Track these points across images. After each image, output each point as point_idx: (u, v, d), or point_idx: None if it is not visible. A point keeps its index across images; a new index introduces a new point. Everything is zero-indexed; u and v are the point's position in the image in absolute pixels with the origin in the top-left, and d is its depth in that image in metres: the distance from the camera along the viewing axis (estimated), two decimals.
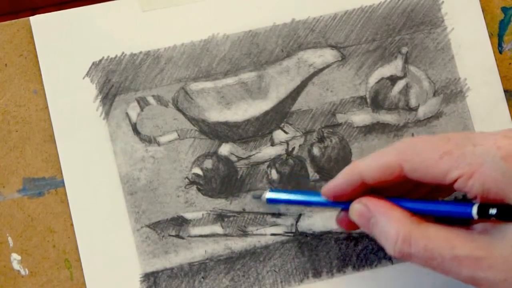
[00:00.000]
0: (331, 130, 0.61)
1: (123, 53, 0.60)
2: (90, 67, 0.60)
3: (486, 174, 0.46)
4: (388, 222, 0.49)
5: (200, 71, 0.61)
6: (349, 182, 0.52)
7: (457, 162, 0.47)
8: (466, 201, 0.49)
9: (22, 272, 0.58)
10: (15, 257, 0.58)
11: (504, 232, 0.46)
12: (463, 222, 0.50)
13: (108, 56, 0.60)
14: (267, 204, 0.59)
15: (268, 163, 0.60)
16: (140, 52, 0.60)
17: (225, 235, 0.59)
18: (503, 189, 0.46)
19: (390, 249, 0.49)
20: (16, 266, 0.58)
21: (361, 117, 0.61)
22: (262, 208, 0.59)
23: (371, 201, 0.51)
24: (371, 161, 0.51)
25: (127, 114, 0.60)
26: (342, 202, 0.53)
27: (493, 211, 0.47)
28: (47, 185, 0.59)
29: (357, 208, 0.52)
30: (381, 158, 0.51)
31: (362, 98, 0.61)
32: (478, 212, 0.48)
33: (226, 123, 0.60)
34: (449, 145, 0.48)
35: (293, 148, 0.61)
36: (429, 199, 0.53)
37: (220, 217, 0.59)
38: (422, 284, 0.59)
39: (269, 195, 0.58)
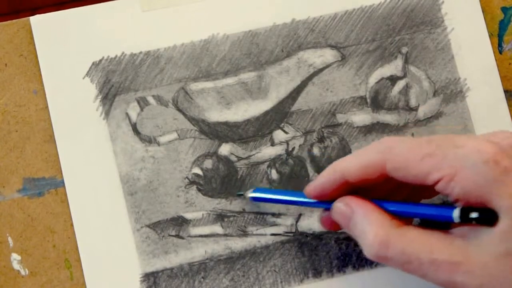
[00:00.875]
0: (331, 130, 0.61)
1: (123, 53, 0.60)
2: (90, 67, 0.60)
3: (467, 177, 0.46)
4: (367, 224, 0.49)
5: (200, 71, 0.61)
6: (332, 181, 0.52)
7: (439, 164, 0.47)
8: (448, 204, 0.49)
9: (22, 272, 0.58)
10: (15, 257, 0.58)
11: (482, 237, 0.46)
12: (443, 225, 0.49)
13: (108, 56, 0.60)
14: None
15: (268, 163, 0.60)
16: (140, 52, 0.60)
17: (225, 235, 0.59)
18: (484, 193, 0.46)
19: (367, 251, 0.49)
20: (16, 266, 0.58)
21: (361, 117, 0.61)
22: (262, 208, 0.59)
23: (352, 201, 0.51)
24: (353, 160, 0.51)
25: (127, 114, 0.60)
26: (325, 201, 0.53)
27: (474, 215, 0.46)
28: (47, 185, 0.59)
29: (339, 207, 0.51)
30: (363, 157, 0.50)
31: (362, 98, 0.61)
32: (460, 216, 0.47)
33: (226, 123, 0.60)
34: (431, 146, 0.48)
35: (293, 148, 0.61)
36: (413, 199, 0.53)
37: (220, 217, 0.59)
38: (422, 284, 0.59)
39: (252, 194, 0.58)
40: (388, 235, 0.48)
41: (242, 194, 0.59)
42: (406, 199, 0.53)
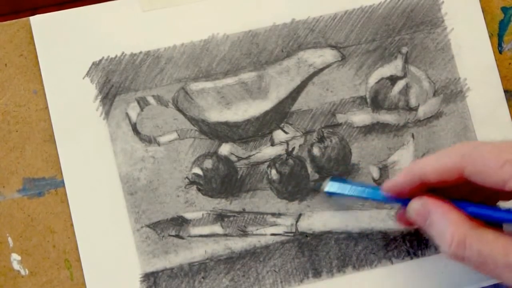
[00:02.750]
0: (331, 130, 0.61)
1: (123, 53, 0.60)
2: (90, 67, 0.60)
3: None
4: (444, 224, 0.50)
5: (200, 71, 0.61)
6: (410, 181, 0.52)
7: None
8: None
9: (22, 272, 0.58)
10: (15, 257, 0.58)
11: None
12: None
13: (108, 56, 0.60)
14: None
15: (268, 163, 0.60)
16: (140, 52, 0.60)
17: (225, 235, 0.59)
18: None
19: (444, 251, 0.50)
20: (16, 266, 0.58)
21: (361, 117, 0.61)
22: (262, 208, 0.59)
23: (429, 201, 0.52)
24: (433, 162, 0.51)
25: (127, 114, 0.60)
26: (401, 199, 0.54)
27: None
28: (47, 185, 0.59)
29: (415, 206, 0.52)
30: (442, 159, 0.51)
31: (362, 98, 0.61)
32: None
33: (226, 123, 0.60)
34: (511, 153, 0.48)
35: (293, 148, 0.61)
36: (490, 201, 0.54)
37: (220, 217, 0.59)
38: (421, 284, 0.59)
39: (328, 187, 0.58)
40: (466, 236, 0.49)
41: (318, 188, 0.59)
42: (483, 200, 0.53)
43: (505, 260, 0.47)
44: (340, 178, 0.60)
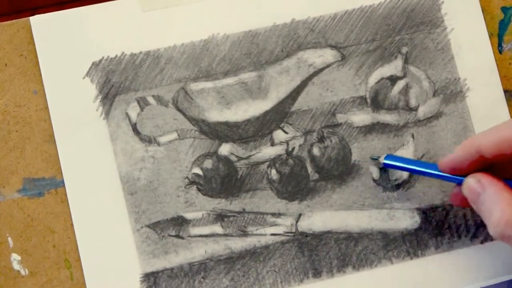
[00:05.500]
0: (331, 130, 0.61)
1: (123, 53, 0.60)
2: (90, 67, 0.60)
3: None
4: (495, 202, 0.50)
5: (200, 71, 0.61)
6: (467, 156, 0.52)
7: None
8: None
9: (22, 272, 0.58)
10: (15, 257, 0.58)
11: None
12: None
13: (108, 56, 0.60)
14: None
15: (268, 163, 0.60)
16: (140, 52, 0.60)
17: (225, 235, 0.59)
18: None
19: (491, 229, 0.50)
20: (16, 266, 0.58)
21: (361, 117, 0.61)
22: (262, 208, 0.60)
23: (484, 178, 0.52)
24: (490, 135, 0.51)
25: (127, 114, 0.60)
26: (458, 176, 0.54)
27: None
28: (47, 185, 0.59)
29: (470, 182, 0.52)
30: (500, 132, 0.51)
31: (362, 98, 0.61)
32: None
33: (226, 123, 0.60)
34: None
35: (293, 148, 0.61)
36: None
37: (220, 217, 0.59)
38: (421, 285, 0.59)
39: (386, 160, 0.58)
40: None
41: (377, 159, 0.59)
42: None
43: None
44: (397, 156, 0.59)
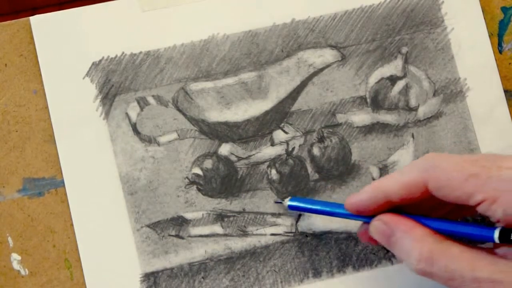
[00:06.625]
0: (331, 130, 0.61)
1: (123, 53, 0.60)
2: (90, 67, 0.60)
3: (509, 200, 0.46)
4: (410, 241, 0.49)
5: (200, 71, 0.61)
6: (373, 199, 0.51)
7: (482, 186, 0.47)
8: (490, 223, 0.49)
9: (22, 272, 0.58)
10: (15, 257, 0.58)
11: None
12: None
13: (108, 56, 0.60)
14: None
15: (268, 163, 0.60)
16: (140, 52, 0.60)
17: (225, 235, 0.59)
18: None
19: (412, 267, 0.49)
20: (16, 266, 0.58)
21: (361, 117, 0.61)
22: (262, 208, 0.59)
23: (392, 219, 0.51)
24: (396, 179, 0.50)
25: (127, 114, 0.60)
26: (365, 216, 0.53)
27: None
28: (47, 185, 0.59)
29: (377, 225, 0.51)
30: (405, 176, 0.50)
31: (362, 98, 0.61)
32: (499, 237, 0.48)
33: (226, 123, 0.60)
34: (476, 167, 0.48)
35: (293, 148, 0.61)
36: (453, 216, 0.53)
37: (220, 217, 0.59)
38: (421, 284, 0.59)
39: (290, 202, 0.57)
40: (432, 251, 0.48)
41: (280, 202, 0.59)
42: (447, 215, 0.53)
43: (472, 275, 0.47)
44: (301, 197, 0.59)
